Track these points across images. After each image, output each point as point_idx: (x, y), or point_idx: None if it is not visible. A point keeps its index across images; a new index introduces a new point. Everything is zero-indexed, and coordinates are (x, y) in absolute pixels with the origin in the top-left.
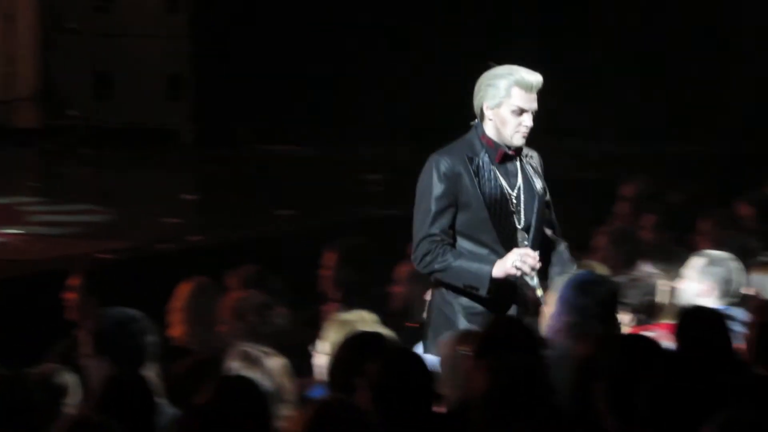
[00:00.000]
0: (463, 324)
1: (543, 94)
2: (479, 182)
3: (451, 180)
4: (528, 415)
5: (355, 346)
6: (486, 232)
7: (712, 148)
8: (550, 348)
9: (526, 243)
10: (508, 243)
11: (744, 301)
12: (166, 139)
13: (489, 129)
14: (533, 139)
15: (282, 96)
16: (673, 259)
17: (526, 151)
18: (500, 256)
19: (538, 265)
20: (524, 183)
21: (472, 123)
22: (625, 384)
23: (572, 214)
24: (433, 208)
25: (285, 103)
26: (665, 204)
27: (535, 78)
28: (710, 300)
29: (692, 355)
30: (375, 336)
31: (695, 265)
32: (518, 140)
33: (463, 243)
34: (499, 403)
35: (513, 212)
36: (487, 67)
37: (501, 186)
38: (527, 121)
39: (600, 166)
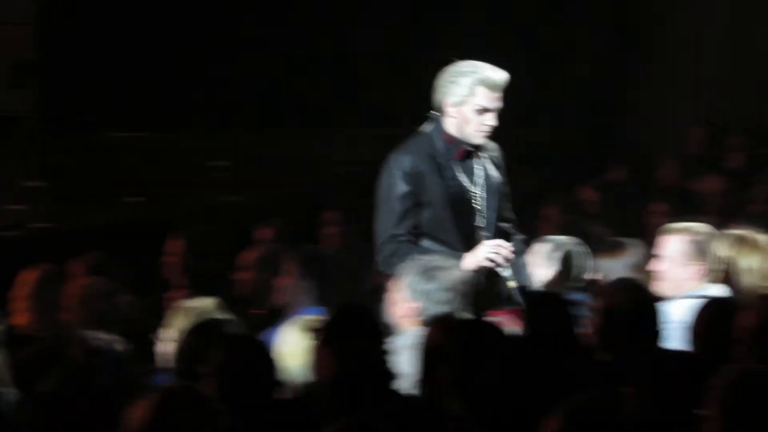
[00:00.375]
0: None
1: None
2: (441, 181)
3: (414, 179)
4: (373, 401)
5: (199, 334)
6: (447, 231)
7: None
8: (397, 334)
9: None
10: (469, 241)
11: (590, 286)
12: (10, 127)
13: (450, 125)
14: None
15: (129, 82)
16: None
17: (485, 144)
18: (460, 253)
19: (511, 256)
20: (485, 179)
21: (429, 115)
22: (470, 369)
23: None
24: (398, 208)
25: (132, 90)
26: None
27: (501, 76)
28: (556, 285)
29: (538, 340)
30: (219, 323)
31: (540, 251)
32: (478, 139)
33: (424, 242)
34: (344, 389)
35: (474, 210)
36: (449, 62)
37: (462, 184)
38: (490, 120)
39: None
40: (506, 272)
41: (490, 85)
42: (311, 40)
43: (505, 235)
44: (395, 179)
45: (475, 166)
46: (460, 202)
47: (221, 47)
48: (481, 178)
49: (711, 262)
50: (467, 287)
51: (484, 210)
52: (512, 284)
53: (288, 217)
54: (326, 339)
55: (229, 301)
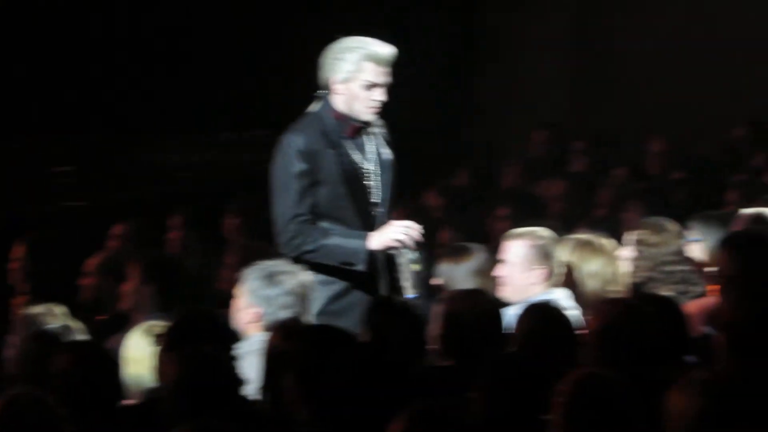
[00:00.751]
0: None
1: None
2: (335, 158)
3: (309, 157)
4: (216, 405)
5: (41, 340)
6: (343, 209)
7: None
8: (241, 339)
9: (377, 220)
10: (365, 219)
11: (433, 291)
12: None
13: (339, 103)
14: None
15: None
16: None
17: (374, 120)
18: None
19: (420, 239)
20: (377, 156)
21: (316, 94)
22: (314, 375)
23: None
24: (296, 188)
25: None
26: None
27: (388, 51)
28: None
29: (382, 345)
30: (62, 329)
31: None
32: (368, 116)
33: (322, 222)
34: (187, 394)
35: (368, 187)
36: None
37: (355, 161)
38: (379, 95)
39: None
40: (412, 255)
41: (377, 60)
42: (145, 46)
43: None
44: (290, 159)
45: (366, 142)
46: (355, 179)
47: (65, 50)
48: (373, 155)
49: (554, 267)
50: (310, 291)
51: (379, 186)
52: (416, 267)
53: (135, 222)
54: (169, 344)
55: (73, 307)
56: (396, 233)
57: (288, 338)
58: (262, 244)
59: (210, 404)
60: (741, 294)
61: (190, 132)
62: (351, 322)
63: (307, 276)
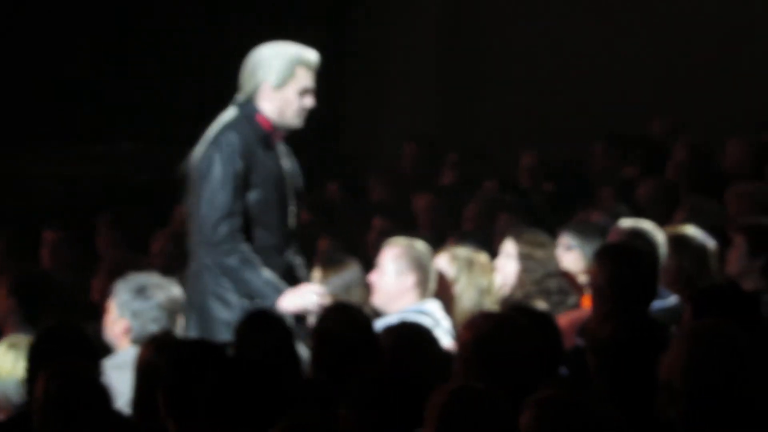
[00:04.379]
0: (218, 314)
1: None
2: (263, 162)
3: (246, 159)
4: (86, 420)
5: None
6: (270, 215)
7: None
8: (112, 353)
9: (292, 227)
10: (285, 226)
11: None
12: None
13: (267, 109)
14: None
15: None
16: None
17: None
18: (274, 237)
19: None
20: (289, 166)
21: (235, 98)
22: (183, 389)
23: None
24: (232, 186)
25: None
26: None
27: (315, 56)
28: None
29: (253, 359)
30: None
31: None
32: (299, 122)
33: (246, 223)
34: (55, 410)
35: (287, 195)
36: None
37: (278, 168)
38: (310, 102)
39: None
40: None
41: (309, 65)
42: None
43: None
44: (227, 157)
45: (282, 150)
46: (281, 185)
47: None
48: (287, 162)
49: (427, 278)
50: (180, 305)
51: (292, 193)
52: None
53: (6, 235)
54: (36, 359)
55: None
56: (307, 299)
57: (158, 352)
58: (134, 257)
59: (79, 419)
60: (608, 307)
61: (62, 143)
62: None
63: (177, 290)
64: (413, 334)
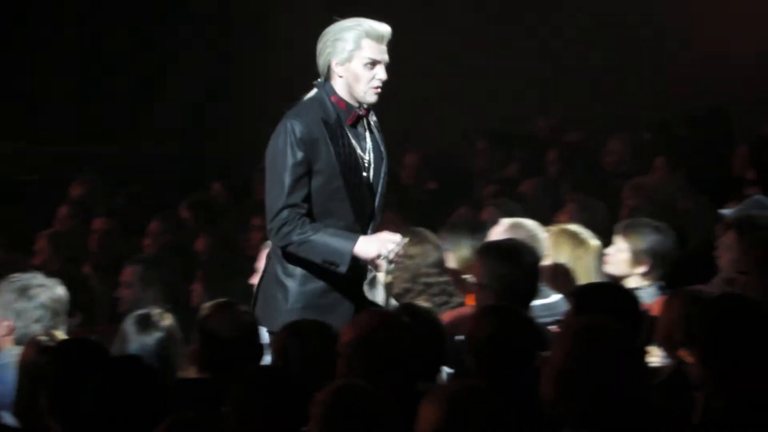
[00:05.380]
0: (287, 307)
1: None
2: (334, 148)
3: (307, 146)
4: None
5: None
6: (338, 201)
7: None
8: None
9: (371, 213)
10: (360, 213)
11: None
12: None
13: (339, 87)
14: None
15: None
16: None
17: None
18: (350, 224)
19: (401, 252)
20: (373, 145)
21: (314, 83)
22: (67, 390)
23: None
24: (291, 176)
25: None
26: (110, 207)
27: (385, 28)
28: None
29: (135, 359)
30: None
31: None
32: (372, 96)
33: (315, 213)
34: None
35: (365, 179)
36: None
37: (355, 151)
38: (381, 74)
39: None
40: (390, 266)
41: (376, 37)
42: None
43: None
44: (288, 146)
45: (363, 131)
46: (353, 170)
47: None
48: (370, 143)
49: None
50: (64, 305)
51: (375, 179)
52: (389, 279)
53: None
54: None
55: None
56: (385, 246)
57: (41, 352)
58: (17, 257)
59: None
60: (489, 304)
61: None
62: (339, 317)
63: (61, 290)
64: (305, 331)
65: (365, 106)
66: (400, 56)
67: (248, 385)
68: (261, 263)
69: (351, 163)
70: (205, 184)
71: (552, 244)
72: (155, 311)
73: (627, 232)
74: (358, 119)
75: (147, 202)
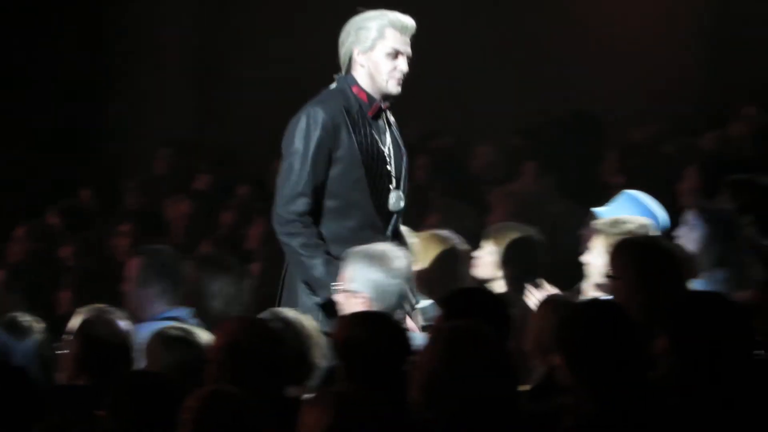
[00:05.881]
0: (304, 299)
1: None
2: (356, 137)
3: (329, 133)
4: None
5: None
6: (358, 191)
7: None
8: None
9: (401, 204)
10: (380, 203)
11: None
12: None
13: (361, 78)
14: None
15: None
16: None
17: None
18: (369, 217)
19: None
20: (392, 139)
21: (335, 76)
22: None
23: None
24: (310, 161)
25: None
26: None
27: (409, 20)
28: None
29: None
30: None
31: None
32: (393, 87)
33: (330, 202)
34: None
35: (387, 171)
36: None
37: (376, 142)
38: (402, 65)
39: None
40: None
41: (399, 28)
42: None
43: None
44: (309, 131)
45: (383, 124)
46: (375, 161)
47: None
48: (389, 138)
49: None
50: None
51: (393, 170)
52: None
53: None
54: None
55: None
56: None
57: None
58: None
59: None
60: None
61: None
62: None
63: None
64: (174, 339)
65: (387, 100)
66: None
67: (123, 389)
68: (127, 272)
69: (373, 154)
70: (75, 190)
71: (421, 249)
72: (24, 317)
73: (495, 236)
74: (380, 112)
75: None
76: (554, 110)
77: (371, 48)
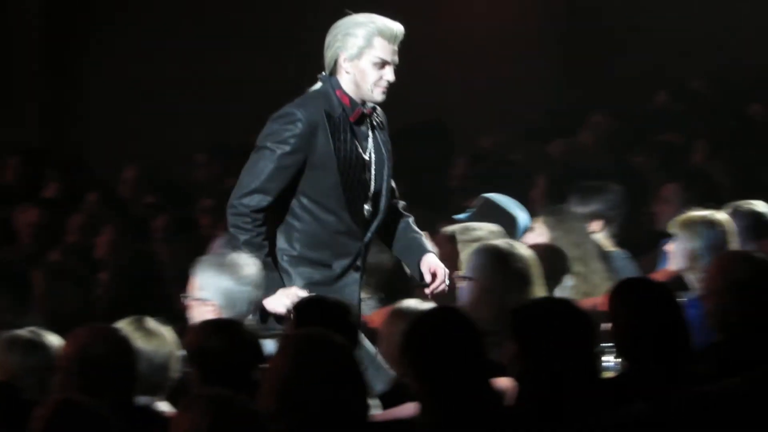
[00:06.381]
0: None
1: None
2: (335, 143)
3: (305, 137)
4: None
5: None
6: (333, 198)
7: None
8: None
9: (369, 214)
10: (355, 210)
11: None
12: None
13: (345, 83)
14: None
15: None
16: None
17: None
18: (345, 223)
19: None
20: (374, 146)
21: (319, 76)
22: None
23: None
24: (277, 163)
25: None
26: None
27: (398, 27)
28: None
29: None
30: None
31: None
32: (379, 96)
33: (307, 205)
34: None
35: (365, 178)
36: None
37: (356, 148)
38: (389, 75)
39: None
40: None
41: (388, 36)
42: None
43: (393, 210)
44: (283, 132)
45: (366, 130)
46: (353, 168)
47: None
48: (372, 145)
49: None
50: None
51: (373, 178)
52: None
53: None
54: None
55: None
56: (284, 303)
57: None
58: None
59: None
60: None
61: None
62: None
63: None
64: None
65: (370, 105)
66: None
67: None
68: None
69: (350, 161)
70: None
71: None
72: None
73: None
74: (362, 117)
75: None
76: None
77: (358, 56)
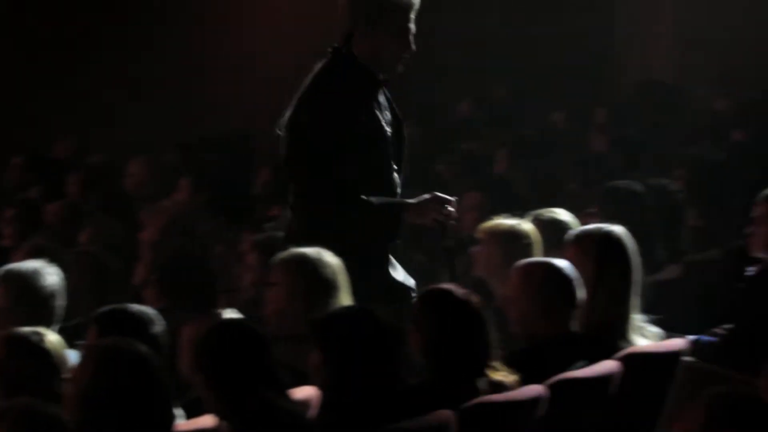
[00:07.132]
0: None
1: None
2: (371, 118)
3: (350, 108)
4: None
5: None
6: (376, 171)
7: None
8: None
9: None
10: (389, 184)
11: None
12: None
13: (364, 52)
14: None
15: None
16: None
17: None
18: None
19: (455, 215)
20: (392, 117)
21: (329, 49)
22: None
23: None
24: (338, 143)
25: None
26: None
27: None
28: None
29: None
30: None
31: None
32: (398, 67)
33: (348, 179)
34: None
35: (391, 150)
36: None
37: (381, 121)
38: (409, 44)
39: None
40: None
41: (405, 5)
42: None
43: None
44: (335, 113)
45: (385, 102)
46: (379, 140)
47: None
48: (389, 115)
49: None
50: None
51: (397, 153)
52: (450, 243)
53: None
54: None
55: None
56: (437, 211)
57: None
58: None
59: None
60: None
61: None
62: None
63: None
64: None
65: (385, 76)
66: None
67: None
68: None
69: (378, 133)
70: None
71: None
72: None
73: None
74: (380, 87)
75: None
76: (209, 126)
77: (375, 26)
